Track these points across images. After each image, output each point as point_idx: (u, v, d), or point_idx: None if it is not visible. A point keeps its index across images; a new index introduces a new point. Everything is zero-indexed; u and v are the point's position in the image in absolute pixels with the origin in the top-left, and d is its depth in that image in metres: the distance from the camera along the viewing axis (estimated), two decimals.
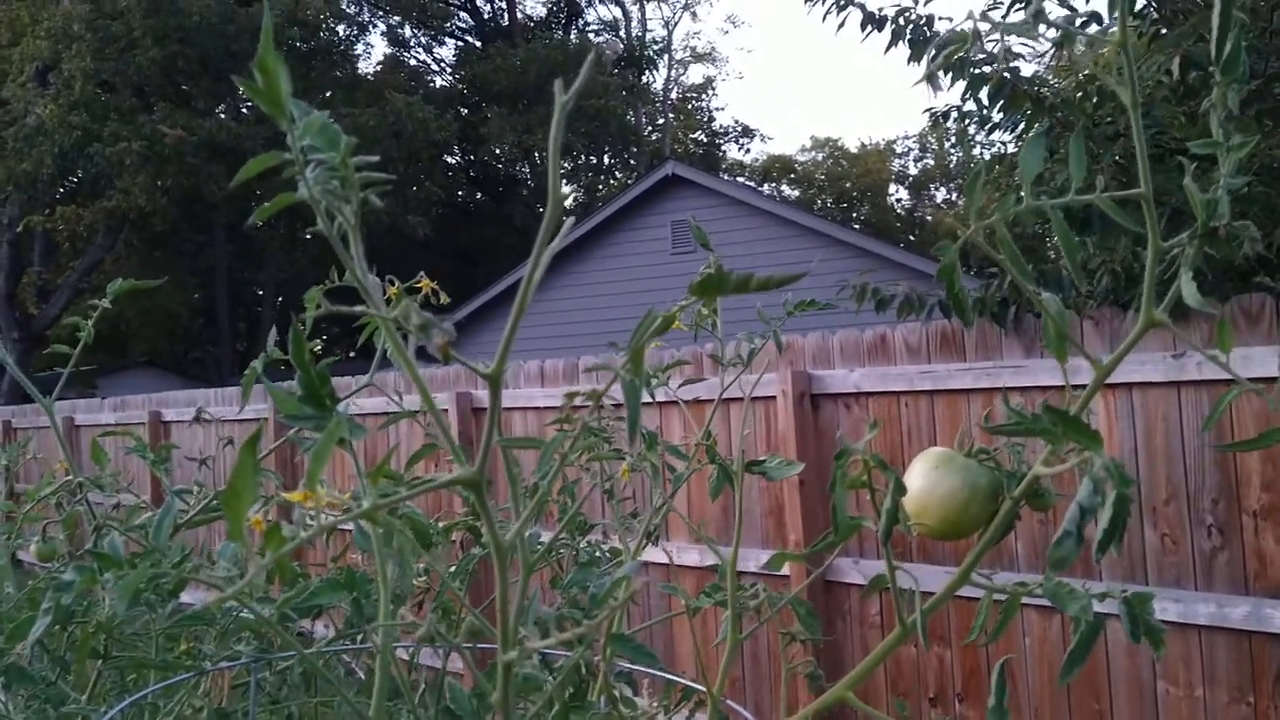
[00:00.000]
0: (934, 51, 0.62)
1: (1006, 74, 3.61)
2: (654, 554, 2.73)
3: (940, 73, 4.15)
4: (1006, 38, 0.61)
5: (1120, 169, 3.23)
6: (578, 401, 0.65)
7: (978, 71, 3.82)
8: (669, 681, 0.98)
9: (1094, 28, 4.07)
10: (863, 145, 39.89)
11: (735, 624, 0.75)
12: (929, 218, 37.84)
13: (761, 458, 0.90)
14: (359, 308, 0.53)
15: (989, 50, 3.81)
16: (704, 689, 0.82)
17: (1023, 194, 0.56)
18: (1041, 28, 0.60)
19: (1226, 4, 0.56)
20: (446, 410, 5.63)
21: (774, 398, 4.23)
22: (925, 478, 0.70)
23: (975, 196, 0.58)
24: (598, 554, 1.10)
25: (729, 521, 4.52)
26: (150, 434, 7.87)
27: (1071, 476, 0.66)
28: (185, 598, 1.21)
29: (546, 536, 1.12)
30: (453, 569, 1.09)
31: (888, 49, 4.06)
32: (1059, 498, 0.71)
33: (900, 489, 0.64)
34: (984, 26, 0.64)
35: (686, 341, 2.08)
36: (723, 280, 0.54)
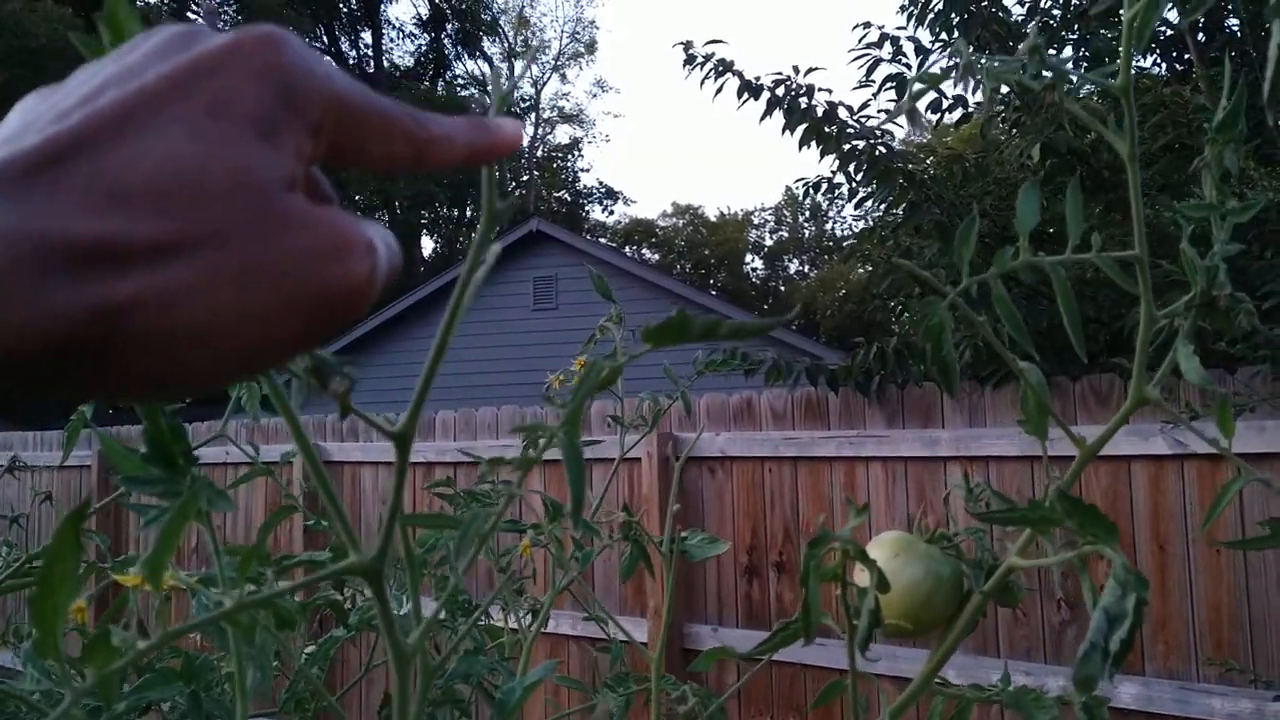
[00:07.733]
0: (915, 88, 0.55)
1: (882, 149, 3.68)
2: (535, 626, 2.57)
3: (813, 144, 4.23)
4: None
5: (985, 248, 3.31)
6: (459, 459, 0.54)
7: (849, 146, 3.91)
8: None
9: (959, 111, 4.24)
10: (722, 215, 40.91)
11: None
12: (782, 288, 38.98)
13: (684, 534, 0.81)
14: None
15: (860, 125, 3.90)
16: None
17: (1020, 247, 0.50)
18: (1034, 68, 0.54)
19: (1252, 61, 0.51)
20: (290, 466, 5.33)
21: (639, 459, 4.15)
22: (883, 566, 0.62)
23: (968, 245, 0.51)
24: (478, 636, 0.97)
25: (595, 590, 4.39)
26: None
27: (1040, 567, 0.59)
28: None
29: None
30: (309, 649, 0.94)
31: (763, 118, 4.11)
32: (1026, 592, 0.64)
33: (884, 584, 0.55)
34: (976, 64, 0.58)
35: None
36: (686, 325, 0.44)
